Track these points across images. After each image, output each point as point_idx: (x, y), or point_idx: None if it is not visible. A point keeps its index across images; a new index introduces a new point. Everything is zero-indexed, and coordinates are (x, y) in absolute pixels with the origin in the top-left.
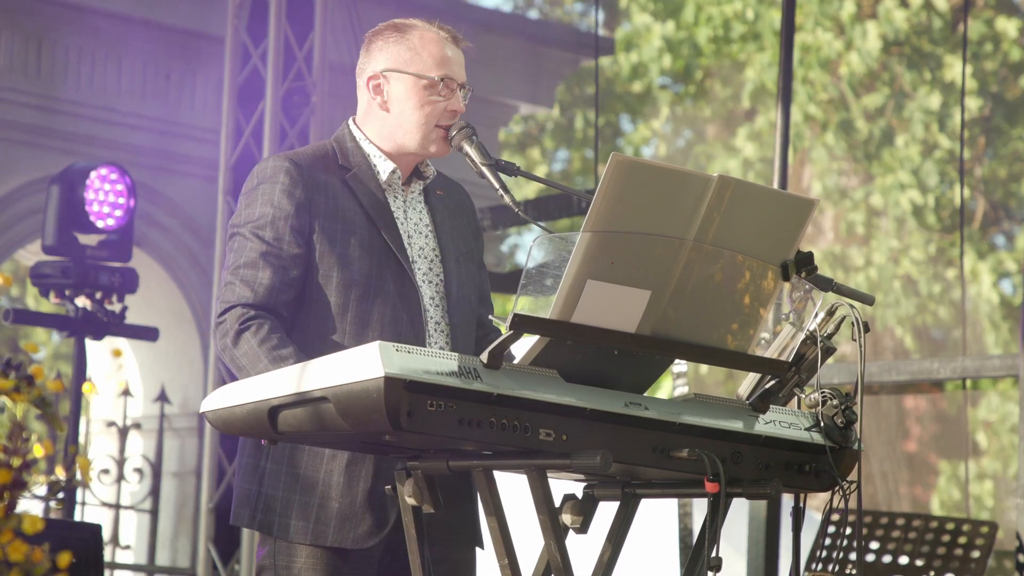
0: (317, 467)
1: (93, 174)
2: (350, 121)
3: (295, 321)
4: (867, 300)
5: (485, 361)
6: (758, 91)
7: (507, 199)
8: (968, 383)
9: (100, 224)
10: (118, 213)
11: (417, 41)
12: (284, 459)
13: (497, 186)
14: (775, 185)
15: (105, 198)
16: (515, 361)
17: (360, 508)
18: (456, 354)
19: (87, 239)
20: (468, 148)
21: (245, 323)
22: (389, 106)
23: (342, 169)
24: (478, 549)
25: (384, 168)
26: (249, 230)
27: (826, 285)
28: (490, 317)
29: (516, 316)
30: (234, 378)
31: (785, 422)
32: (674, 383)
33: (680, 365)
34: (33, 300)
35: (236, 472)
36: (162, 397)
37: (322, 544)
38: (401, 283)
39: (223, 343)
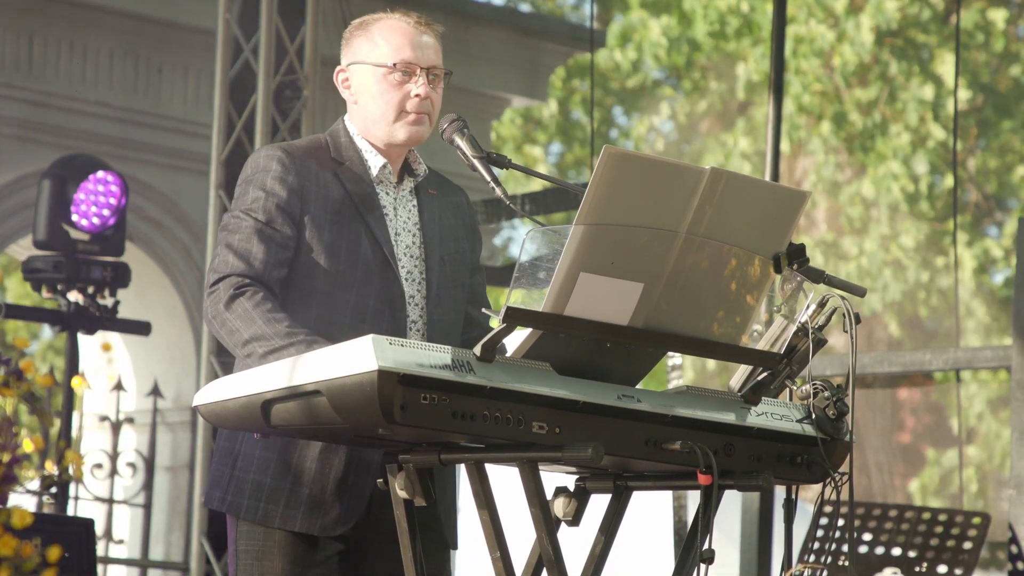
0: (291, 453)
1: (91, 177)
2: (344, 117)
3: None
4: (858, 292)
5: (478, 354)
6: (754, 84)
7: (498, 192)
8: (959, 374)
9: (84, 223)
10: (105, 212)
11: (377, 31)
12: (258, 444)
13: (488, 179)
14: (767, 177)
15: (95, 199)
16: (507, 354)
17: (330, 496)
18: (449, 347)
19: (79, 234)
20: (459, 141)
21: (240, 288)
22: (357, 98)
23: (334, 162)
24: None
25: (375, 163)
26: (242, 211)
27: (817, 277)
28: (483, 310)
29: (509, 309)
30: (227, 372)
31: (777, 414)
32: (669, 376)
33: (676, 357)
34: (12, 294)
35: (213, 456)
36: (155, 391)
37: (290, 529)
38: (386, 278)
39: (215, 309)
